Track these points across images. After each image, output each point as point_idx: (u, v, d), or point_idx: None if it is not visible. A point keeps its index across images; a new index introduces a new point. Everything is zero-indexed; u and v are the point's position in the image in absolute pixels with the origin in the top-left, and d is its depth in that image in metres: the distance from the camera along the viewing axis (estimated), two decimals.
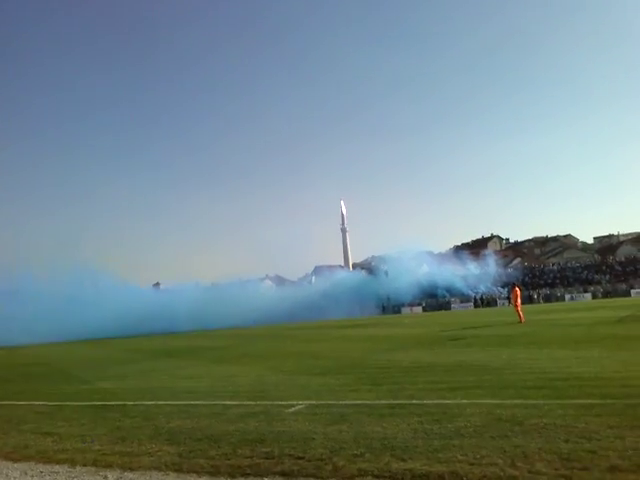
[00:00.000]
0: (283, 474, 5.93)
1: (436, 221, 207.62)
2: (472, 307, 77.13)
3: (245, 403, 10.41)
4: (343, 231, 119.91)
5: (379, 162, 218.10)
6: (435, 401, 9.09)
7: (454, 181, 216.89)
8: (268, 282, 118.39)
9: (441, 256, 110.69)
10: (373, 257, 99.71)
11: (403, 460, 5.95)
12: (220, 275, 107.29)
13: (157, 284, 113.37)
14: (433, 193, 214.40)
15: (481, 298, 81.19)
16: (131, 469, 6.64)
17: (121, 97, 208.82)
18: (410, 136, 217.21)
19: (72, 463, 7.17)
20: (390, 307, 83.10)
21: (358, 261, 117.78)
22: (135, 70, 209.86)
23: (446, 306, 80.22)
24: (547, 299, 77.67)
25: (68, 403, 12.48)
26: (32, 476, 6.80)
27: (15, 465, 7.41)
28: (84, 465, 7.04)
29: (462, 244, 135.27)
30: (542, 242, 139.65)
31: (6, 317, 70.91)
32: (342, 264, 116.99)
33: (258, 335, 39.29)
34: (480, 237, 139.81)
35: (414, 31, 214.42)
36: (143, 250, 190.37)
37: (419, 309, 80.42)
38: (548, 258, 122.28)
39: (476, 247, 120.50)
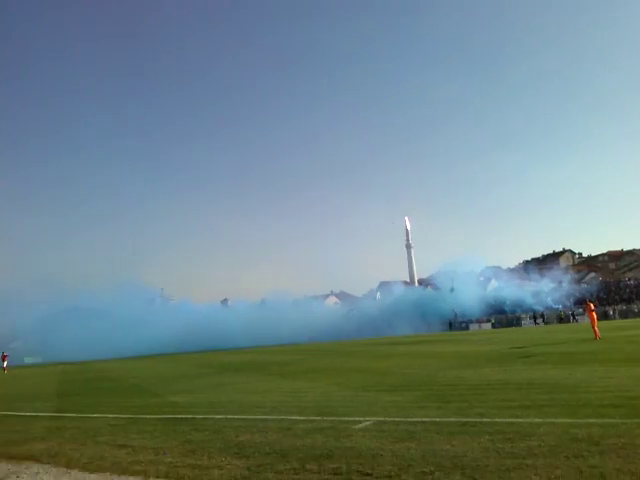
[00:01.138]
0: None
1: (505, 236, 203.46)
2: (543, 324, 74.55)
3: (312, 418, 10.43)
4: (408, 247, 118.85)
5: (444, 181, 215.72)
6: (507, 420, 8.85)
7: (523, 196, 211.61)
8: (333, 298, 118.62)
9: (510, 271, 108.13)
10: (439, 273, 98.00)
11: (474, 479, 5.83)
12: (286, 292, 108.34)
13: (225, 300, 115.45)
14: (501, 209, 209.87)
15: (556, 315, 78.41)
16: None
17: (177, 115, 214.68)
18: (476, 156, 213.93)
19: (145, 475, 7.38)
20: (457, 323, 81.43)
21: (423, 277, 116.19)
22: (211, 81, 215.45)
23: (516, 322, 77.87)
24: (624, 315, 74.21)
25: (140, 416, 12.86)
26: None
27: (92, 476, 7.68)
28: (157, 477, 7.23)
29: (532, 259, 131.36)
30: (617, 256, 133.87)
31: (74, 334, 74.30)
32: (407, 280, 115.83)
33: (323, 351, 39.33)
34: (551, 252, 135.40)
35: (477, 54, 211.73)
36: (210, 267, 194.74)
37: (488, 325, 78.35)
38: (624, 273, 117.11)
39: (547, 262, 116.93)
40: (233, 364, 31.23)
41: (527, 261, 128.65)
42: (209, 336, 70.79)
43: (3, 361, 49.93)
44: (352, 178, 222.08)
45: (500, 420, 8.84)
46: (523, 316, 79.55)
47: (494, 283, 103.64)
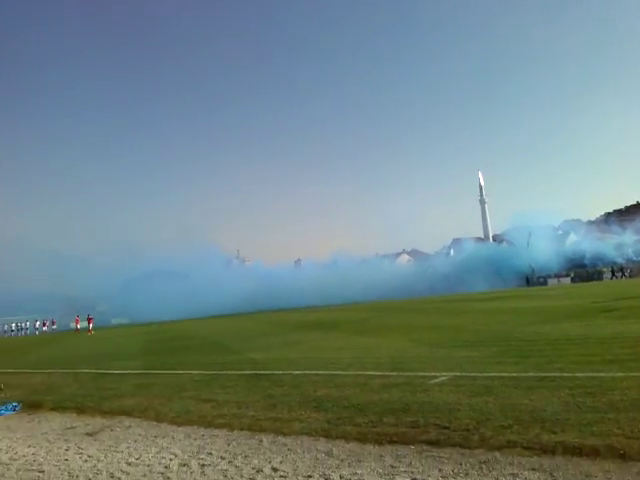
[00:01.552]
0: (429, 443, 5.99)
1: (584, 188, 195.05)
2: (626, 277, 71.58)
3: (388, 374, 10.56)
4: (481, 202, 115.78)
5: (519, 133, 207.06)
6: (587, 374, 8.67)
7: (602, 147, 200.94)
8: (405, 256, 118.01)
9: (590, 224, 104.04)
10: (514, 228, 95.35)
11: (554, 432, 5.78)
12: (357, 251, 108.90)
13: (298, 260, 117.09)
14: (579, 160, 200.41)
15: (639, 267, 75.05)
16: (283, 434, 7.04)
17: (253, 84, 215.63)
18: (551, 106, 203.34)
19: (230, 427, 7.73)
20: (535, 279, 79.31)
21: (498, 232, 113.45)
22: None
23: (597, 276, 74.87)
24: None
25: (222, 372, 13.39)
26: (195, 439, 7.42)
27: (179, 428, 8.13)
28: (241, 429, 7.57)
29: (614, 211, 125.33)
30: None
31: (156, 296, 77.77)
32: (481, 236, 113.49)
33: (396, 308, 39.40)
34: (634, 202, 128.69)
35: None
36: (283, 229, 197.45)
37: (567, 280, 75.80)
38: None
39: (630, 213, 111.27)
40: (307, 322, 31.81)
41: (608, 213, 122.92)
42: (282, 296, 72.28)
43: (89, 323, 52.89)
44: (424, 133, 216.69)
45: (581, 375, 8.67)
46: (604, 270, 76.48)
47: (573, 237, 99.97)
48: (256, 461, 6.06)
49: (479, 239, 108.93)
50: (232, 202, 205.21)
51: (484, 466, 5.13)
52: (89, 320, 53.15)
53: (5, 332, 70.39)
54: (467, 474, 4.98)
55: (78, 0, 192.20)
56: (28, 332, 71.38)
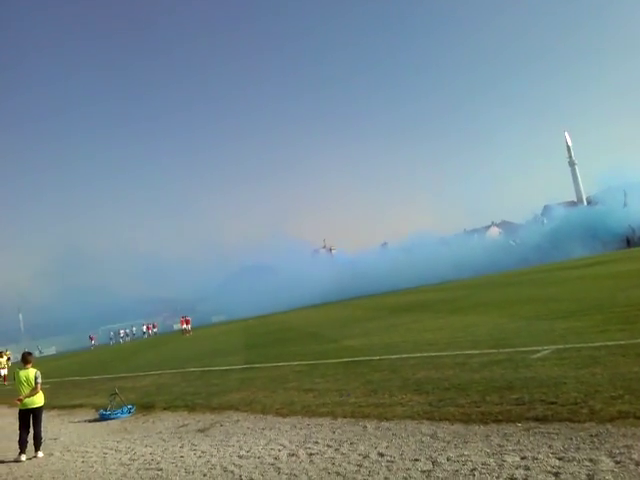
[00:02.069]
0: (536, 419, 5.87)
1: None
2: None
3: (487, 352, 10.39)
4: (571, 164, 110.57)
5: (604, 84, 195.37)
6: None
7: None
8: (495, 229, 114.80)
9: None
10: (609, 188, 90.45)
11: None
12: (443, 228, 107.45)
13: (385, 244, 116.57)
14: None
15: None
16: (386, 419, 7.11)
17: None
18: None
19: (333, 416, 7.89)
20: (636, 239, 75.02)
21: (591, 194, 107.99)
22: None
23: None
24: None
25: (321, 361, 13.63)
26: (300, 429, 7.63)
27: (285, 419, 8.38)
28: (344, 417, 7.71)
29: None
30: None
31: (250, 291, 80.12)
32: (574, 200, 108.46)
33: (489, 284, 38.47)
34: None
35: None
36: (369, 212, 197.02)
37: None
38: None
39: None
40: (400, 305, 31.68)
41: None
42: (370, 281, 72.17)
43: (187, 324, 54.65)
44: (501, 93, 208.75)
45: None
46: None
47: None
48: (362, 447, 6.16)
49: (572, 203, 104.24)
50: (315, 192, 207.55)
51: (596, 439, 4.98)
52: (187, 321, 54.88)
53: (111, 339, 74.39)
54: (578, 449, 4.85)
55: None
56: (134, 337, 75.22)
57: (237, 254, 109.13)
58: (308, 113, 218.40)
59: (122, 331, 75.63)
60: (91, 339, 71.42)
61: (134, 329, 77.78)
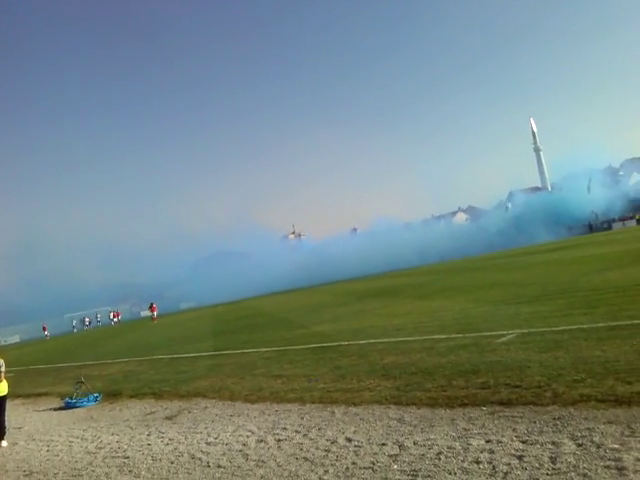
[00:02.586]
0: (501, 403, 5.97)
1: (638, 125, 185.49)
2: None
3: (453, 336, 10.52)
4: (536, 150, 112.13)
5: (569, 70, 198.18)
6: None
7: None
8: (461, 215, 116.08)
9: None
10: (573, 173, 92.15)
11: (629, 383, 5.66)
12: (414, 214, 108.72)
13: (354, 229, 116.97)
14: (633, 93, 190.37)
15: None
16: (354, 404, 7.16)
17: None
18: (603, 33, 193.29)
19: (302, 401, 7.92)
20: (599, 224, 76.77)
21: (556, 180, 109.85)
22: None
23: None
24: None
25: (290, 347, 13.64)
26: (269, 415, 7.64)
27: (253, 406, 8.38)
28: (312, 402, 7.74)
29: None
30: None
31: (219, 278, 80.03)
32: (539, 185, 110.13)
33: (456, 269, 38.94)
34: None
35: None
36: (338, 198, 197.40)
37: (632, 223, 72.99)
38: None
39: None
40: (369, 291, 31.85)
41: None
42: (337, 266, 72.52)
43: (152, 311, 53.86)
44: (468, 79, 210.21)
45: None
46: None
47: (636, 176, 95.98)
48: (330, 432, 6.19)
49: (536, 189, 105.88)
50: (285, 178, 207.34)
51: (558, 422, 5.09)
52: (152, 308, 54.06)
53: (74, 327, 71.81)
54: (541, 432, 4.95)
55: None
56: (99, 324, 73.46)
57: (206, 240, 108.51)
58: (277, 100, 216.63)
59: (87, 319, 73.99)
60: (44, 329, 67.31)
61: (99, 316, 75.94)
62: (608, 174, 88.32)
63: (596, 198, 78.65)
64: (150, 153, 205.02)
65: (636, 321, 8.61)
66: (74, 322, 72.48)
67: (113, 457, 7.05)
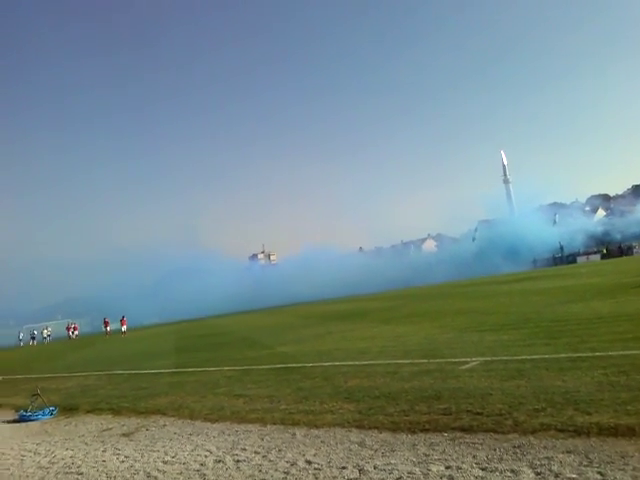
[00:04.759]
0: (462, 429, 5.96)
1: (609, 162, 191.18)
2: None
3: (418, 361, 10.53)
4: (505, 182, 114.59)
5: (539, 110, 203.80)
6: (620, 352, 8.55)
7: (624, 118, 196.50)
8: (430, 242, 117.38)
9: (618, 198, 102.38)
10: (540, 207, 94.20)
11: (588, 414, 5.71)
12: (384, 238, 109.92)
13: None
14: (602, 133, 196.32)
15: None
16: (316, 426, 7.07)
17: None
18: (568, 77, 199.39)
19: (263, 422, 7.80)
20: (563, 257, 78.30)
21: (524, 212, 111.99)
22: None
23: (628, 252, 73.58)
24: None
25: (254, 367, 13.48)
26: (228, 435, 7.49)
27: (213, 425, 8.22)
28: (273, 424, 7.62)
29: None
30: None
31: (182, 293, 79.46)
32: (508, 216, 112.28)
33: (422, 295, 39.22)
34: None
35: None
36: (305, 220, 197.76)
37: (596, 257, 74.48)
38: None
39: None
40: (335, 313, 31.83)
41: (636, 185, 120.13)
42: (305, 287, 72.60)
43: (122, 325, 52.96)
44: (443, 113, 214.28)
45: (613, 353, 8.56)
46: (635, 245, 75.07)
47: (601, 212, 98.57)
48: (290, 454, 6.10)
49: (505, 220, 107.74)
50: (257, 199, 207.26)
51: (518, 451, 5.10)
52: (122, 322, 53.09)
53: (20, 340, 66.46)
54: (501, 459, 4.95)
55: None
56: (51, 339, 69.64)
57: (170, 258, 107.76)
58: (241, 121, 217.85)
59: (45, 331, 71.21)
60: None
61: (48, 330, 71.55)
62: (574, 209, 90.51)
63: (562, 232, 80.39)
64: (112, 174, 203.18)
65: (597, 353, 8.74)
66: (21, 335, 68.65)
67: (66, 473, 6.83)
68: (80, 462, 7.24)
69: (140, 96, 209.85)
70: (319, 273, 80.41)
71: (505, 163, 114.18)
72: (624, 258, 64.27)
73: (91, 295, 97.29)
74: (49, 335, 69.30)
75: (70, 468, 7.02)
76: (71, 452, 7.90)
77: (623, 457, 4.58)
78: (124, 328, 52.36)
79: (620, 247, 76.51)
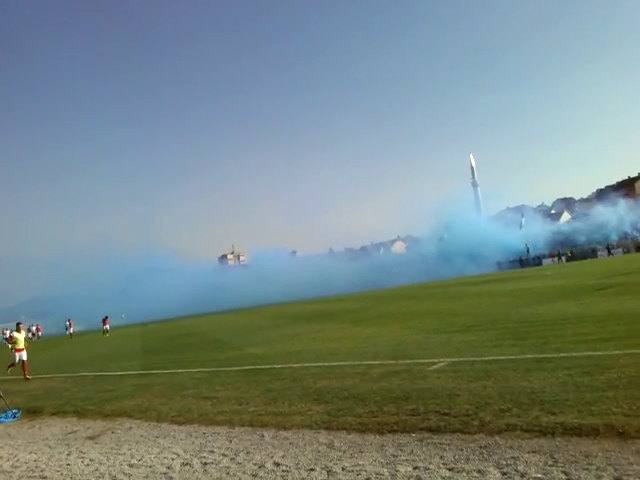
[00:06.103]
0: (430, 430, 6.00)
1: (575, 167, 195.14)
2: (621, 253, 71.80)
3: (387, 362, 10.58)
4: (474, 185, 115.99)
5: (507, 113, 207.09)
6: (585, 353, 8.72)
7: (589, 123, 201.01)
8: (399, 243, 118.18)
9: (583, 202, 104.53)
10: (507, 209, 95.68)
11: (553, 414, 5.80)
12: (354, 239, 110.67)
13: (294, 252, 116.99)
14: (567, 137, 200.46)
15: (634, 243, 75.11)
16: (285, 428, 7.05)
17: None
18: (536, 80, 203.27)
19: (231, 424, 7.74)
20: (529, 260, 79.58)
21: (491, 214, 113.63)
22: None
23: (592, 254, 75.11)
24: None
25: (222, 369, 13.39)
26: (196, 437, 7.42)
27: (180, 428, 8.12)
28: (242, 425, 7.57)
29: (606, 187, 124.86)
30: None
31: (150, 294, 78.39)
32: (475, 218, 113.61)
33: (392, 296, 39.42)
34: (626, 177, 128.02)
35: None
36: (279, 220, 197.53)
37: (562, 259, 76.07)
38: None
39: (623, 189, 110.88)
40: (305, 314, 31.80)
41: (601, 190, 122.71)
42: (278, 288, 72.40)
43: (104, 325, 51.31)
44: (414, 117, 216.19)
45: (578, 354, 8.72)
46: (599, 247, 76.69)
47: (566, 215, 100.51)
48: (258, 457, 6.06)
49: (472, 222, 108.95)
50: (229, 199, 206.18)
51: (484, 451, 5.15)
52: (105, 321, 51.47)
53: None
54: (468, 459, 4.99)
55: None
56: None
57: (136, 259, 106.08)
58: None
59: (7, 332, 69.02)
60: None
61: (8, 332, 69.76)
62: (540, 212, 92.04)
63: (528, 234, 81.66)
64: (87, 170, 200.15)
65: (562, 354, 8.89)
66: None
67: (30, 477, 6.69)
68: (44, 466, 7.09)
69: (106, 98, 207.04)
70: (288, 274, 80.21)
71: (473, 165, 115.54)
72: (589, 260, 65.57)
73: (56, 295, 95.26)
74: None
75: (34, 472, 6.88)
76: (35, 455, 7.74)
77: (587, 457, 4.66)
78: (106, 327, 51.03)
79: (584, 250, 78.07)
